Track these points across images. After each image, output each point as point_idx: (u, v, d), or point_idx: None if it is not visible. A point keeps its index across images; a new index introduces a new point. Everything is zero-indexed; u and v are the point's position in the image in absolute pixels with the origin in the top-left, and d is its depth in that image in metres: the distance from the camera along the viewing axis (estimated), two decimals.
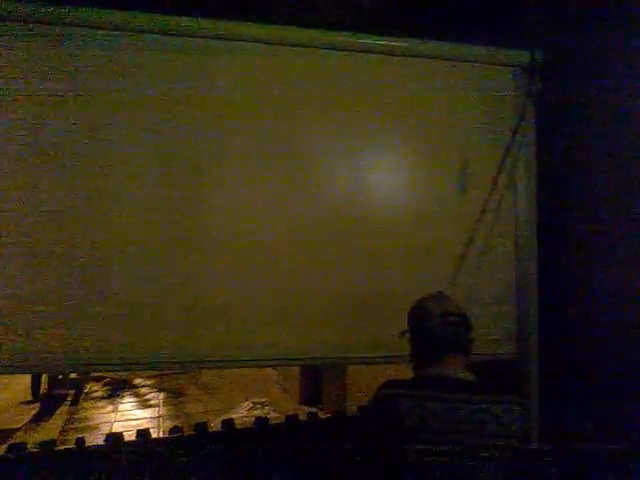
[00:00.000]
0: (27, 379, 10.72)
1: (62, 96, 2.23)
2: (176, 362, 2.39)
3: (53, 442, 3.00)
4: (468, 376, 1.82)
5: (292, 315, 2.42)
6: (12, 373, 2.24)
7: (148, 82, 2.33)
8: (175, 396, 10.22)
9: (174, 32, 2.34)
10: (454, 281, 2.59)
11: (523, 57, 2.71)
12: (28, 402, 10.45)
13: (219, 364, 2.51)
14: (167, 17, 2.32)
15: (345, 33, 2.49)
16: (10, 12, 2.16)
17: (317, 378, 8.67)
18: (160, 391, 10.67)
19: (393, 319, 2.29)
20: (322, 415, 4.19)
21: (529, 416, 2.51)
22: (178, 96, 2.36)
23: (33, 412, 10.27)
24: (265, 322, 2.40)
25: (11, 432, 8.88)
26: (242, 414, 7.93)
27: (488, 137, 2.70)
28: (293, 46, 2.47)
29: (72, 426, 8.57)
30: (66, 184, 2.22)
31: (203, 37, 2.37)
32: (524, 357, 2.64)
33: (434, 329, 1.83)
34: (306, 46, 2.49)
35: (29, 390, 10.70)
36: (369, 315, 2.50)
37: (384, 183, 2.58)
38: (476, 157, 2.67)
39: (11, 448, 2.91)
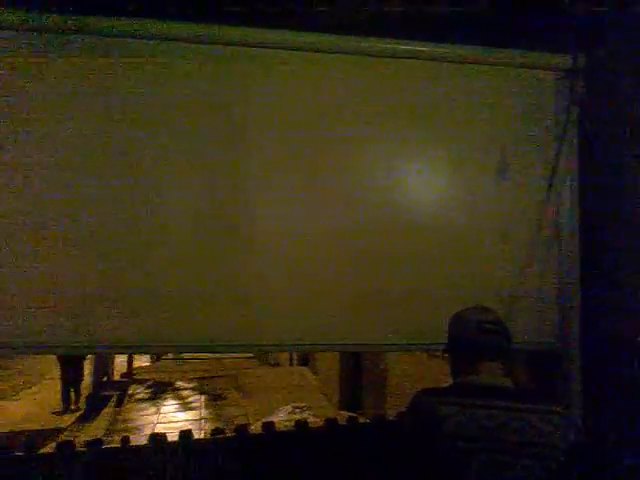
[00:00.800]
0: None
1: (107, 103, 2.32)
2: (223, 345, 2.44)
3: (100, 441, 3.09)
4: (507, 383, 1.81)
5: (331, 307, 2.46)
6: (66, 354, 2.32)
7: (192, 89, 2.39)
8: (216, 399, 10.34)
9: (211, 41, 2.40)
10: (493, 273, 2.60)
11: (565, 61, 2.69)
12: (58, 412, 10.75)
13: (263, 348, 2.58)
14: (206, 26, 2.38)
15: (385, 40, 2.52)
16: (49, 23, 2.25)
17: (357, 384, 8.67)
18: (201, 394, 10.80)
19: (435, 312, 2.34)
20: (362, 420, 4.18)
21: (572, 424, 2.47)
22: (222, 102, 2.42)
23: (80, 412, 10.56)
24: (306, 312, 2.45)
25: (58, 432, 9.15)
26: (282, 418, 7.97)
27: (530, 141, 2.69)
28: (331, 53, 2.50)
29: (116, 427, 8.75)
30: (113, 183, 2.30)
31: (240, 46, 2.42)
32: (565, 349, 2.62)
33: (471, 337, 1.84)
34: (345, 53, 2.52)
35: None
36: (410, 308, 2.52)
37: (425, 187, 2.59)
38: (518, 161, 2.66)
39: (60, 446, 3.01)
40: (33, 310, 2.22)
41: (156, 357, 17.46)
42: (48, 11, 2.24)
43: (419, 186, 2.59)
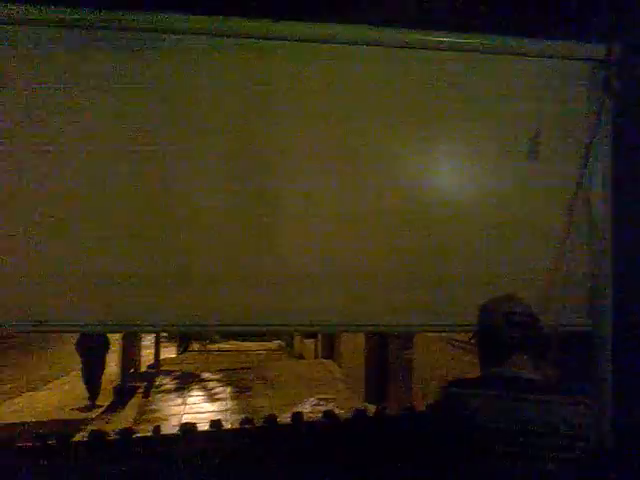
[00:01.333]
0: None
1: (146, 93, 2.37)
2: (250, 325, 2.49)
3: (130, 430, 3.13)
4: (535, 375, 1.80)
5: (360, 288, 2.50)
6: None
7: (223, 82, 2.42)
8: (241, 391, 10.41)
9: (247, 35, 2.42)
10: (526, 255, 2.61)
11: (599, 51, 2.65)
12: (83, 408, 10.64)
13: (292, 328, 2.64)
14: (241, 20, 2.39)
15: (418, 31, 2.51)
16: (87, 20, 2.29)
17: (382, 376, 8.67)
18: (227, 386, 10.89)
19: (467, 294, 2.47)
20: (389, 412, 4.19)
21: (601, 414, 2.45)
22: (253, 91, 2.44)
23: (107, 403, 10.71)
24: (334, 293, 2.48)
25: (87, 422, 9.30)
26: (307, 410, 8.01)
27: (564, 132, 2.66)
28: (364, 45, 2.51)
29: (144, 417, 8.86)
30: (144, 169, 2.36)
31: (277, 39, 2.44)
32: (597, 329, 2.62)
33: (499, 329, 1.83)
34: (378, 45, 2.51)
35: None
36: (440, 290, 2.53)
37: (458, 176, 2.58)
38: (551, 150, 2.64)
39: (92, 434, 3.06)
40: (68, 289, 2.28)
41: (182, 349, 17.68)
42: (79, 7, 2.28)
43: (451, 175, 2.59)
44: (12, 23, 2.26)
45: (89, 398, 10.77)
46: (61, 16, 2.27)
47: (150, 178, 2.36)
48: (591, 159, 2.63)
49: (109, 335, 10.95)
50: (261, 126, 2.44)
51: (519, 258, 2.59)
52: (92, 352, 10.65)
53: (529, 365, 1.81)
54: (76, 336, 10.73)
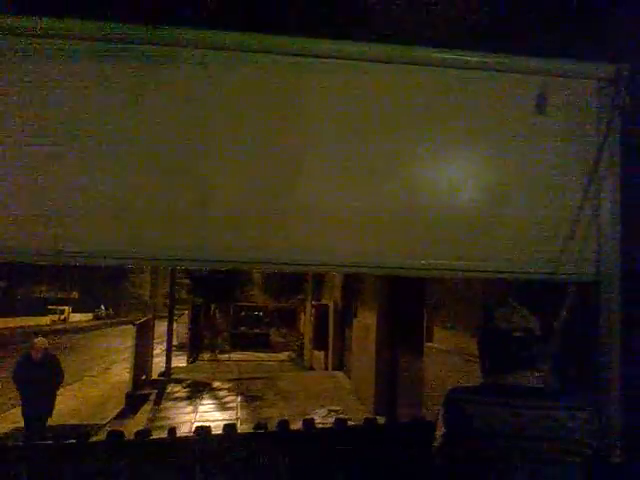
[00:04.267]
0: None
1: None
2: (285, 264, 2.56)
3: (148, 432, 3.21)
4: (535, 382, 1.85)
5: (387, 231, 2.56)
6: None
7: (248, 94, 2.52)
8: (252, 400, 10.46)
9: (273, 50, 2.51)
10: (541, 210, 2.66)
11: (608, 70, 2.71)
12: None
13: (318, 268, 2.72)
14: (268, 36, 2.49)
15: (433, 49, 2.58)
16: (115, 34, 2.39)
17: (392, 388, 8.69)
18: (237, 395, 10.95)
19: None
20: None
21: (604, 410, 2.45)
22: (285, 102, 2.55)
23: (118, 410, 10.80)
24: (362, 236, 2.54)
25: (98, 428, 9.38)
26: (317, 420, 8.04)
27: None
28: (380, 62, 2.58)
29: (155, 424, 8.92)
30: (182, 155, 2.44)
31: (302, 55, 2.53)
32: (605, 283, 2.64)
33: (499, 344, 1.89)
34: (402, 63, 2.59)
35: None
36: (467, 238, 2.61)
37: (478, 183, 2.64)
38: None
39: (110, 435, 3.15)
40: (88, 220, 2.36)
41: (193, 358, 17.77)
42: (111, 20, 2.38)
43: (474, 184, 2.64)
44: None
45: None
46: (94, 28, 2.37)
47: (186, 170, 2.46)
48: (599, 175, 2.68)
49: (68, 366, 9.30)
50: (293, 136, 2.54)
51: (531, 213, 2.66)
52: (36, 386, 8.02)
53: (530, 372, 1.86)
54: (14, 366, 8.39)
